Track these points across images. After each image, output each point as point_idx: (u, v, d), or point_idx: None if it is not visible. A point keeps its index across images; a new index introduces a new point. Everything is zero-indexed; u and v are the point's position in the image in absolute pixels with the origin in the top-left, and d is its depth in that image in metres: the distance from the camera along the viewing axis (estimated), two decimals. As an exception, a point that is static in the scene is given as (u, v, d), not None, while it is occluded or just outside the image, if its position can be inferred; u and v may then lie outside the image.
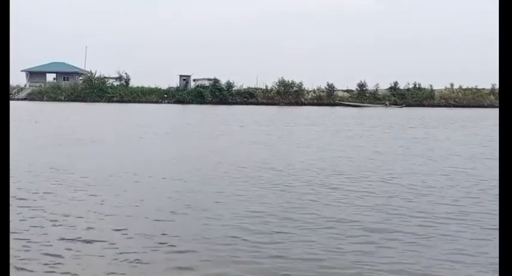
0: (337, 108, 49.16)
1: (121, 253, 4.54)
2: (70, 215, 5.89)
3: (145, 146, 13.66)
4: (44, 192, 7.10)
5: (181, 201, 6.72)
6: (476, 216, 6.10)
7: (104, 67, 77.78)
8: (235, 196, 7.10)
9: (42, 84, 60.09)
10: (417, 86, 59.95)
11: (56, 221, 5.62)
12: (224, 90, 58.10)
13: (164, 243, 4.85)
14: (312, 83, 60.29)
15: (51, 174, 8.68)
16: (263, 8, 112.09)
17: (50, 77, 63.55)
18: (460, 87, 61.55)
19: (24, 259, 4.31)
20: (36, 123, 22.02)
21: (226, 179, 8.53)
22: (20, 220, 5.54)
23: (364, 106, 53.86)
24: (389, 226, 5.57)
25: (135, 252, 4.55)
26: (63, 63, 64.57)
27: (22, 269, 4.09)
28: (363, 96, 58.60)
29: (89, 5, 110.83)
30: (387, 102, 55.80)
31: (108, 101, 54.78)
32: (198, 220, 5.77)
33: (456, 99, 59.35)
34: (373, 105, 55.08)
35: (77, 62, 65.77)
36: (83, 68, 63.70)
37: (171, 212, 6.15)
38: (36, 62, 63.73)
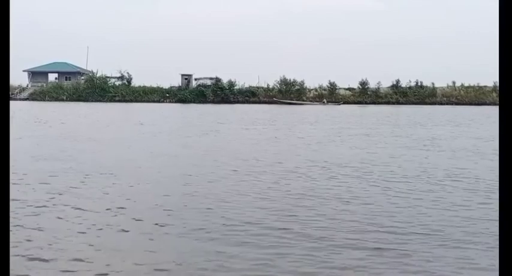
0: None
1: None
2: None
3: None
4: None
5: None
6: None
7: (105, 67, 77.72)
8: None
9: (44, 84, 60.13)
10: (419, 84, 59.90)
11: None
12: (226, 89, 58.09)
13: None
14: (313, 81, 60.41)
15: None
16: (264, 7, 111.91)
17: (52, 77, 63.59)
18: (462, 85, 61.42)
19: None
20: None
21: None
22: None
23: (301, 104, 54.18)
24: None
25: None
26: (65, 63, 64.58)
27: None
28: (364, 95, 58.63)
29: (90, 4, 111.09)
30: (325, 100, 56.17)
31: (110, 101, 54.83)
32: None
33: (458, 97, 59.22)
34: (311, 103, 55.47)
35: (79, 61, 65.86)
36: (85, 68, 63.71)
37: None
38: (38, 62, 63.83)
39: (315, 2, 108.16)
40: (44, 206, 6.29)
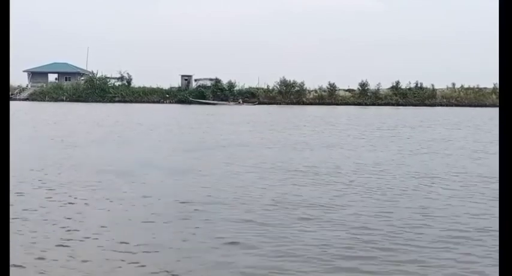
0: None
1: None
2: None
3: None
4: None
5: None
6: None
7: (105, 67, 77.39)
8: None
9: (44, 85, 60.00)
10: (419, 85, 59.90)
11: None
12: (226, 90, 58.10)
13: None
14: (313, 82, 60.34)
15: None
16: (264, 7, 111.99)
17: (52, 77, 63.46)
18: (462, 87, 61.48)
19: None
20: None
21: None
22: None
23: (218, 104, 54.20)
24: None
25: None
26: (65, 63, 64.47)
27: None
28: (364, 96, 58.57)
29: (90, 4, 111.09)
30: (240, 100, 56.43)
31: (110, 101, 54.75)
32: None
33: (458, 99, 59.27)
34: (227, 103, 55.54)
35: (79, 62, 65.73)
36: (85, 68, 63.62)
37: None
38: (38, 62, 63.66)
39: (315, 2, 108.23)
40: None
